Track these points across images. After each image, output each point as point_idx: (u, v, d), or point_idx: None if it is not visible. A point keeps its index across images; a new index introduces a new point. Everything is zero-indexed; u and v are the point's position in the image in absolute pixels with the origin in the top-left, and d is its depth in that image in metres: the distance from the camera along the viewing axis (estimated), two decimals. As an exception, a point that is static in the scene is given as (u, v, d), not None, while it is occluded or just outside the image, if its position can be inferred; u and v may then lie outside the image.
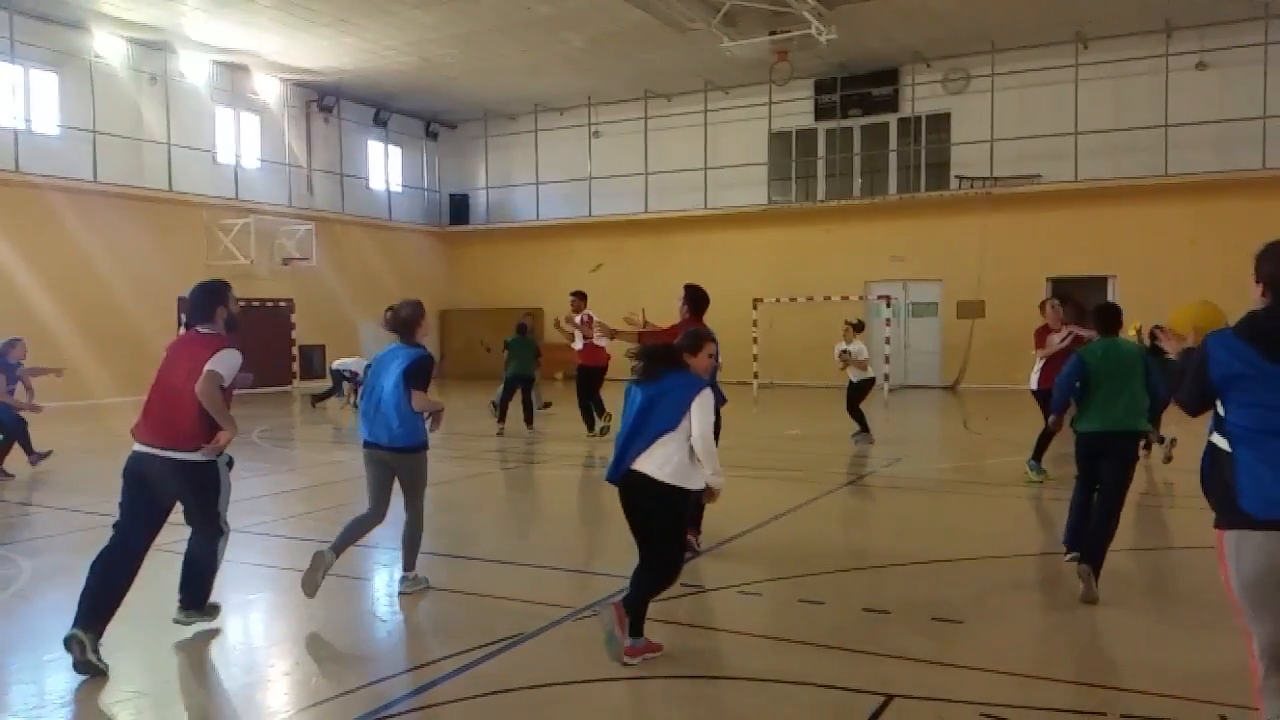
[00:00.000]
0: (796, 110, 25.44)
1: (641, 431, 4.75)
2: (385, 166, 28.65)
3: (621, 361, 10.17)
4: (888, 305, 22.98)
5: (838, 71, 24.44)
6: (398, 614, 5.81)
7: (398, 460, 5.86)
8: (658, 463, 4.70)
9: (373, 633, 5.60)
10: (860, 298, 23.59)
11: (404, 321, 5.95)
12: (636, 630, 4.76)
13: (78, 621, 4.66)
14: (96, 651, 4.62)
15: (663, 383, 4.81)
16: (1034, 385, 10.62)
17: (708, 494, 4.88)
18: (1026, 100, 22.94)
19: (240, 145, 24.13)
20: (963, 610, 5.67)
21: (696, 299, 7.37)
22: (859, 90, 24.84)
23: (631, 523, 4.91)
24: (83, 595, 4.74)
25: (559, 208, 28.36)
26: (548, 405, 17.23)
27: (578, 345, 13.94)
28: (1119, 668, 4.89)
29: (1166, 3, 20.12)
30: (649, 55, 23.00)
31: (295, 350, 24.63)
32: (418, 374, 5.76)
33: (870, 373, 13.41)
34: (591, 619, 5.46)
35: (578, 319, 13.89)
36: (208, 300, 5.13)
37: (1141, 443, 11.32)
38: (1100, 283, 22.70)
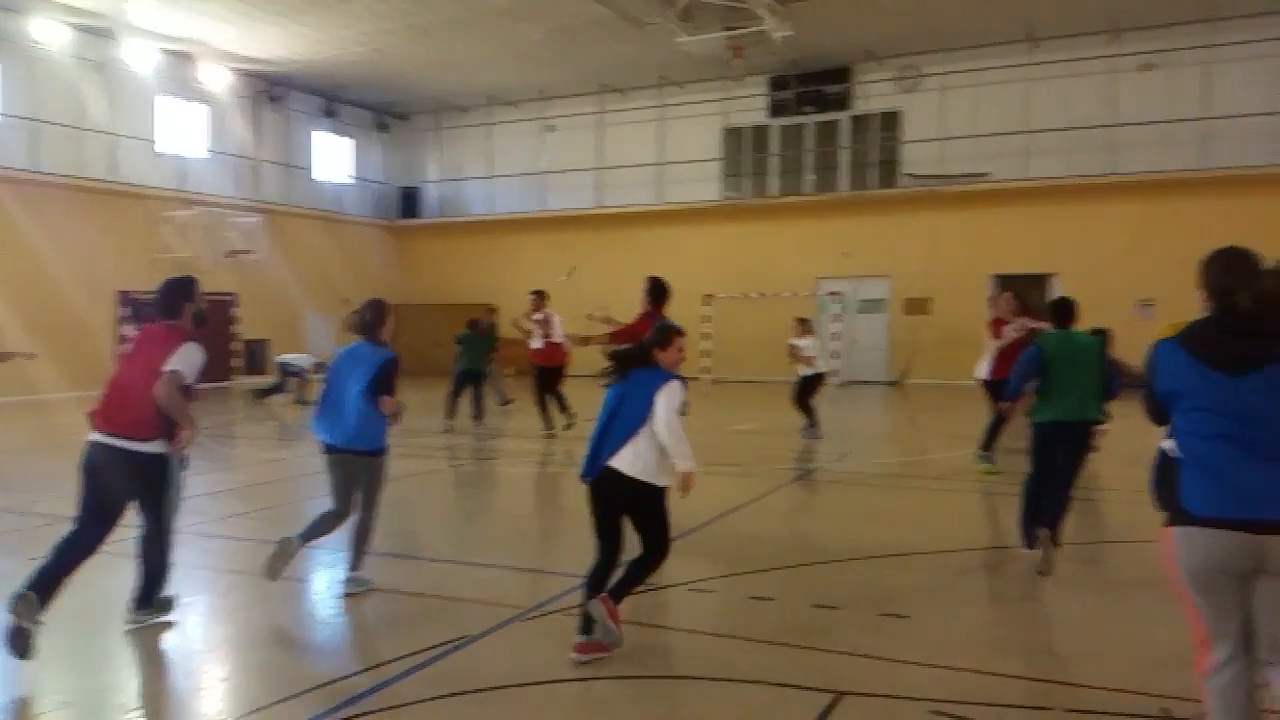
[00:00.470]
0: (750, 107, 25.52)
1: (612, 429, 4.81)
2: (335, 158, 28.24)
3: (581, 361, 10.03)
4: (837, 302, 23.14)
5: (791, 69, 24.54)
6: (341, 616, 5.68)
7: (358, 463, 5.81)
8: (629, 460, 4.75)
9: (315, 636, 5.47)
10: (810, 294, 23.72)
11: (368, 323, 5.91)
12: (589, 628, 4.75)
13: (28, 584, 4.67)
14: (35, 620, 4.57)
15: (630, 380, 4.87)
16: (985, 375, 10.72)
17: (681, 481, 4.82)
18: (977, 99, 23.22)
19: (187, 136, 23.63)
20: (911, 605, 5.69)
21: (658, 291, 7.56)
22: (812, 87, 24.96)
23: (598, 518, 4.91)
24: (39, 566, 4.79)
25: (512, 202, 28.17)
26: (509, 402, 17.09)
27: (536, 344, 13.70)
28: (1064, 660, 4.92)
29: (1114, 4, 20.46)
30: (604, 50, 22.91)
31: (239, 345, 24.20)
32: (385, 381, 5.70)
33: (820, 368, 13.50)
34: (541, 618, 5.41)
35: (537, 317, 13.67)
36: (174, 296, 5.15)
37: None
38: (1042, 281, 23.05)
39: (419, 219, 29.66)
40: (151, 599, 5.24)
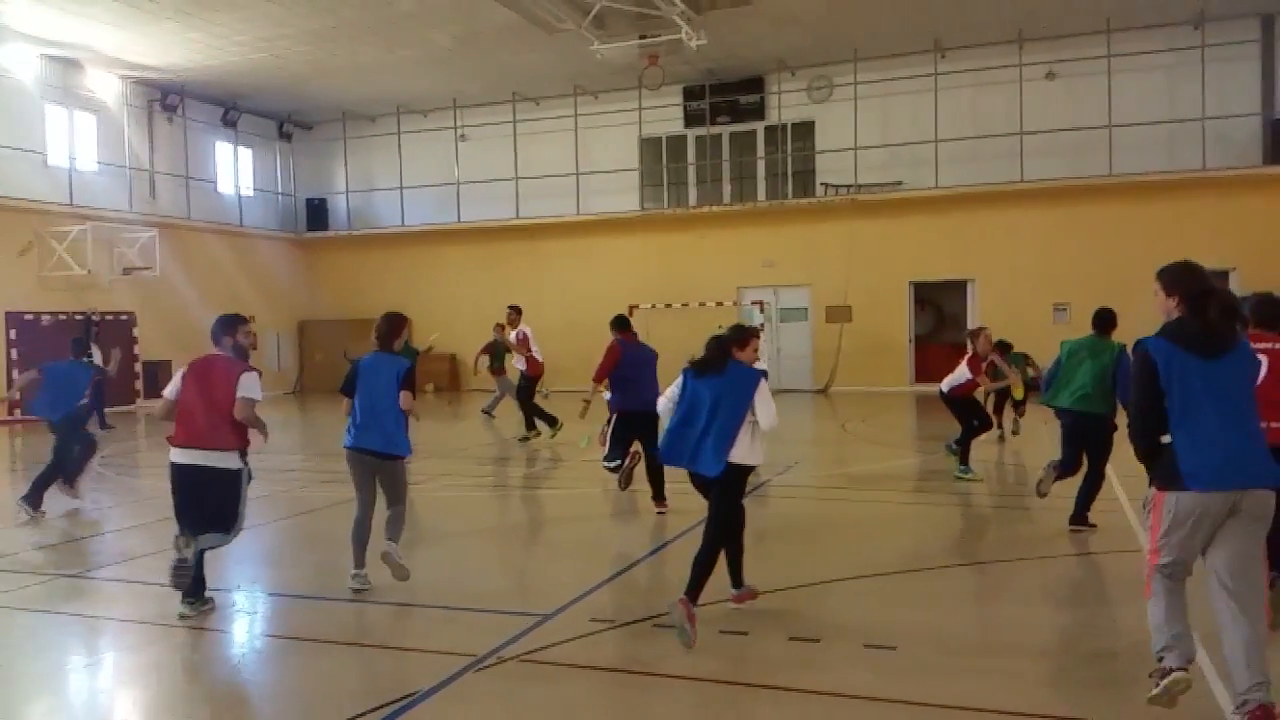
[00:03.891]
0: (666, 116, 25.28)
1: (714, 425, 5.40)
2: (235, 169, 27.05)
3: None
4: (760, 310, 23.03)
5: (705, 78, 24.41)
6: (270, 673, 5.10)
7: (390, 466, 6.44)
8: (738, 450, 5.41)
9: (243, 696, 4.87)
10: (734, 303, 23.57)
11: (384, 335, 6.68)
12: (739, 581, 5.81)
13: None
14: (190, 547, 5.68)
15: (724, 377, 5.51)
16: (945, 389, 10.88)
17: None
18: (887, 108, 23.39)
19: (75, 147, 22.27)
20: (894, 633, 5.33)
21: (619, 322, 9.81)
22: (727, 97, 24.89)
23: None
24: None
25: (425, 213, 27.35)
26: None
27: (520, 366, 14.38)
28: (1080, 690, 4.56)
29: (1018, 15, 20.80)
30: (516, 57, 22.40)
31: (139, 367, 22.89)
32: (405, 382, 6.50)
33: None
34: (498, 666, 4.93)
35: (512, 336, 14.30)
36: (219, 330, 6.16)
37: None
38: (960, 286, 23.36)
39: (327, 231, 28.59)
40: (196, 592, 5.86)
